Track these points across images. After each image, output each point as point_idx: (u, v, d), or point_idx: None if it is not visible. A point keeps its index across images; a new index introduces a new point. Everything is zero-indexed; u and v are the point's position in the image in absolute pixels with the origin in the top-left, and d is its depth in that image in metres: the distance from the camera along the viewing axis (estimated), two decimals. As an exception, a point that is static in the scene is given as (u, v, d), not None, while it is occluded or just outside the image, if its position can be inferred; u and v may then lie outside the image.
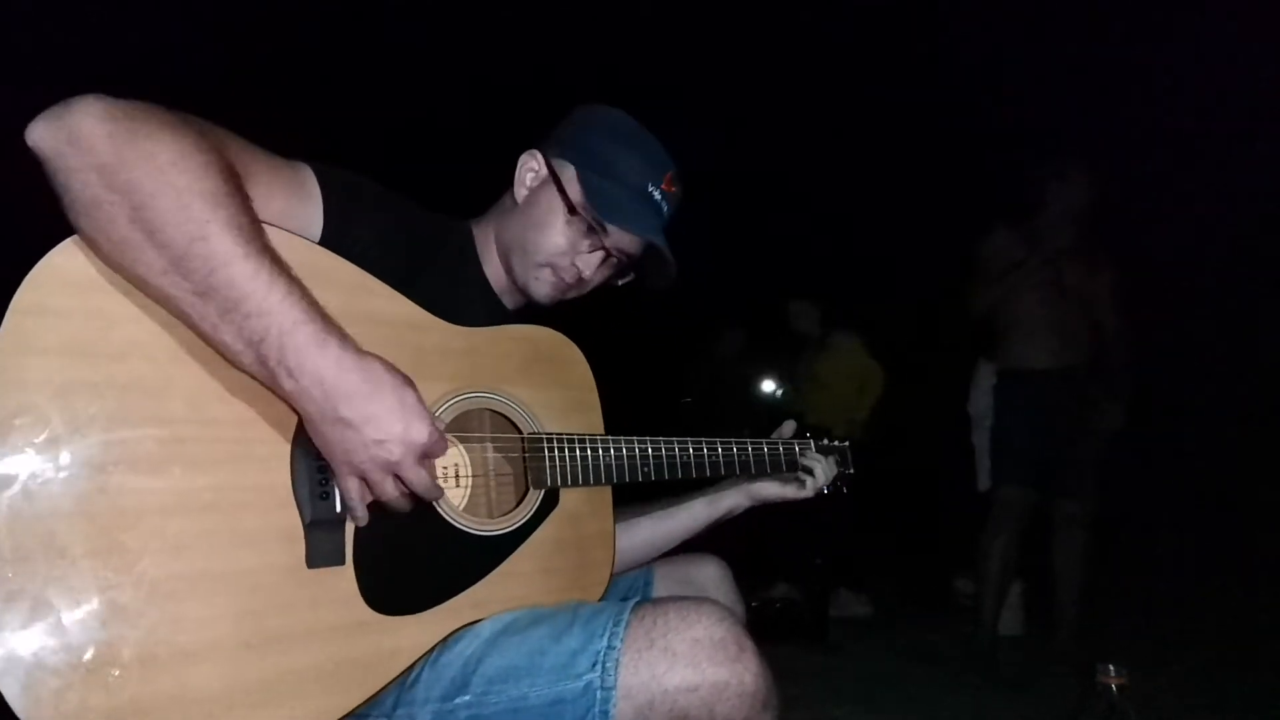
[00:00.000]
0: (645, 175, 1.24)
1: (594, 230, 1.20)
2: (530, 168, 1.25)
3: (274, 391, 0.87)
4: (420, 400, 0.91)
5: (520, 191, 1.25)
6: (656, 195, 1.25)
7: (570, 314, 1.33)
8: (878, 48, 5.19)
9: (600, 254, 1.24)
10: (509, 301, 1.31)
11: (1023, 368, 3.17)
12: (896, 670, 3.08)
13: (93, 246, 0.84)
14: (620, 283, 1.32)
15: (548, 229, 1.21)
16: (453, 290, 1.18)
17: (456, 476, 1.16)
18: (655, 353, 4.56)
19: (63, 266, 0.84)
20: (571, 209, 1.20)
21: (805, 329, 4.41)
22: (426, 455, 0.91)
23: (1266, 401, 4.26)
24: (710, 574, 1.38)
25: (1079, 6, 4.69)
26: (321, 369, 0.84)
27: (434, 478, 0.94)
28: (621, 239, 1.22)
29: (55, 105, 0.82)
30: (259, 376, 0.85)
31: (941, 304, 3.39)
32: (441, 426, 0.94)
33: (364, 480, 0.90)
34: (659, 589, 1.34)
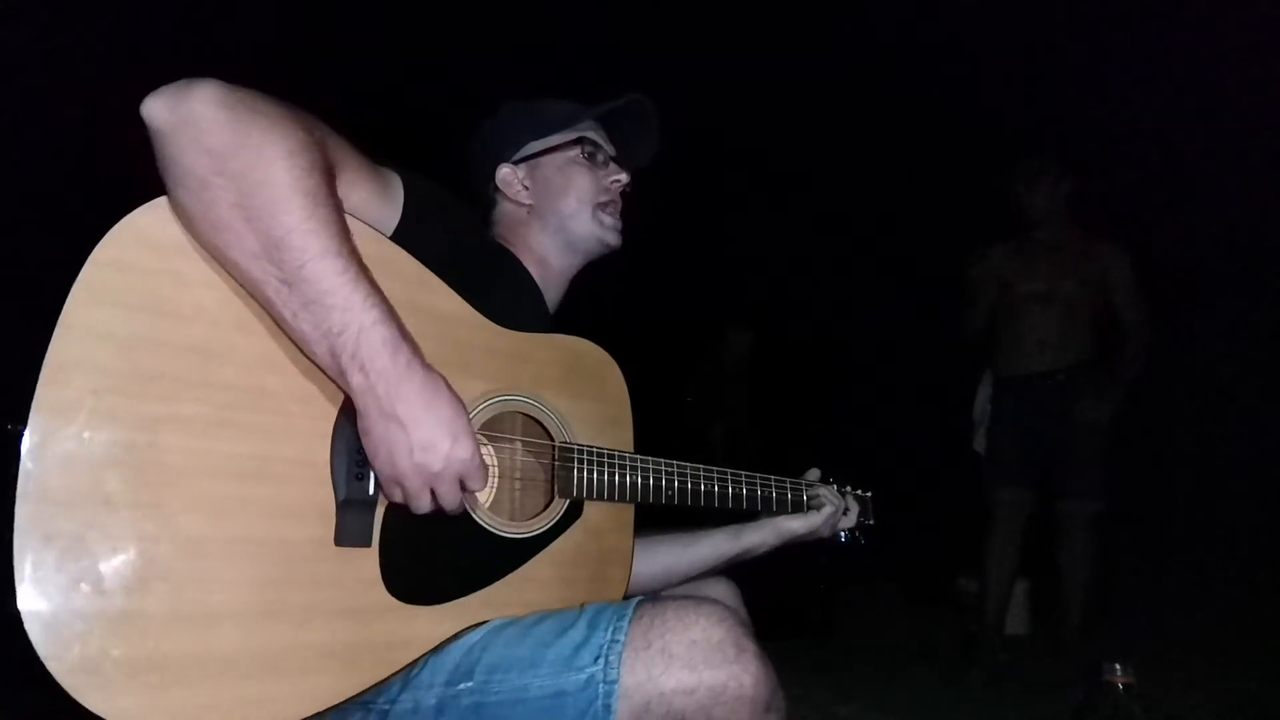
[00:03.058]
0: (567, 103, 1.39)
1: (594, 147, 1.36)
2: (511, 179, 1.36)
3: (336, 383, 0.90)
4: (470, 425, 0.94)
5: (524, 198, 1.36)
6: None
7: (581, 310, 1.42)
8: (885, 48, 5.20)
9: (611, 164, 1.38)
10: (550, 301, 1.37)
11: (1012, 374, 3.25)
12: (901, 668, 3.07)
13: (187, 221, 0.87)
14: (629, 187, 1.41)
15: (574, 181, 1.34)
16: (512, 301, 1.22)
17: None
18: (660, 351, 4.55)
19: (145, 226, 0.88)
20: (571, 146, 1.34)
21: None
22: (464, 478, 0.93)
23: (1272, 399, 4.20)
24: (720, 594, 1.37)
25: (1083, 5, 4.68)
26: (391, 368, 0.87)
27: (464, 502, 0.96)
28: (606, 145, 1.39)
29: (175, 83, 0.86)
30: (326, 367, 0.88)
31: (949, 306, 3.45)
32: (489, 462, 0.96)
33: (402, 488, 0.92)
34: None
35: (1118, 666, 1.34)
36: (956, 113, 5.06)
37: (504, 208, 1.38)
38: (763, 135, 5.71)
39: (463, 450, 0.91)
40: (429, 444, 0.89)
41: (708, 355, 5.16)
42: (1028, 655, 3.14)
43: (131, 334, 0.84)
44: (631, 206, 1.42)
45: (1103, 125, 4.65)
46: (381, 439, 0.89)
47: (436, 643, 0.98)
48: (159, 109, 0.86)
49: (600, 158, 1.37)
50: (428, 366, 0.92)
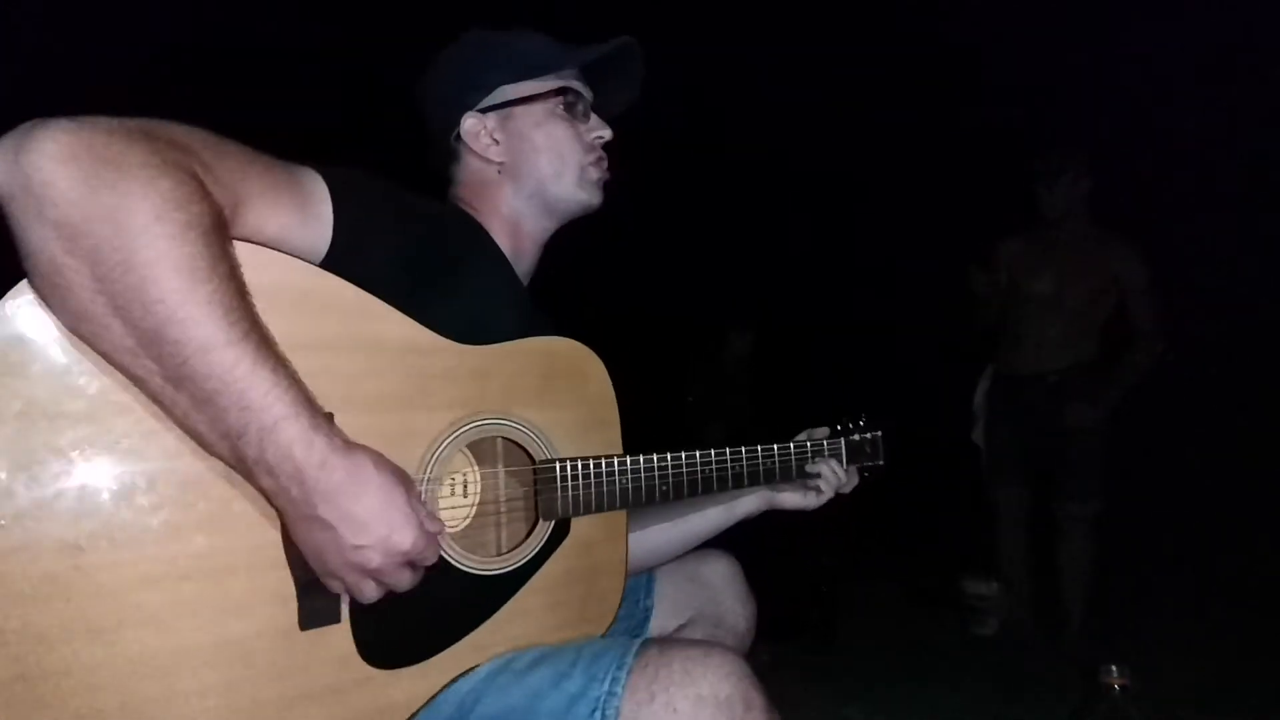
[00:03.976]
0: (543, 40, 1.20)
1: (576, 98, 1.19)
2: (478, 131, 1.17)
3: (249, 482, 0.79)
4: (410, 502, 0.82)
5: (493, 154, 1.18)
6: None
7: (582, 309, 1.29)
8: (896, 44, 4.93)
9: (593, 116, 1.21)
10: (523, 274, 1.22)
11: (1007, 374, 3.26)
12: (904, 670, 3.09)
13: (50, 308, 0.73)
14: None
15: (554, 139, 1.17)
16: (482, 287, 1.09)
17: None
18: (660, 351, 4.46)
19: (15, 316, 0.74)
20: (552, 96, 1.17)
21: None
22: (412, 563, 0.83)
23: (1271, 399, 4.19)
24: (720, 571, 1.34)
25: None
26: (303, 468, 0.75)
27: (417, 579, 0.86)
28: (587, 93, 1.22)
29: (10, 135, 0.69)
30: (232, 466, 0.77)
31: (954, 304, 3.42)
32: (437, 528, 0.85)
33: (341, 583, 0.83)
34: (662, 586, 1.31)
35: (1115, 668, 1.33)
36: (963, 109, 4.82)
37: (469, 164, 1.19)
38: (767, 132, 5.38)
39: (402, 540, 0.80)
40: (362, 542, 0.78)
41: (709, 356, 4.95)
42: (1027, 657, 3.13)
43: (26, 449, 0.74)
44: (636, 205, 1.24)
45: (1113, 124, 4.43)
46: (306, 542, 0.80)
47: (425, 699, 0.95)
48: None
49: (581, 108, 1.20)
50: (350, 449, 0.79)
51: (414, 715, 0.94)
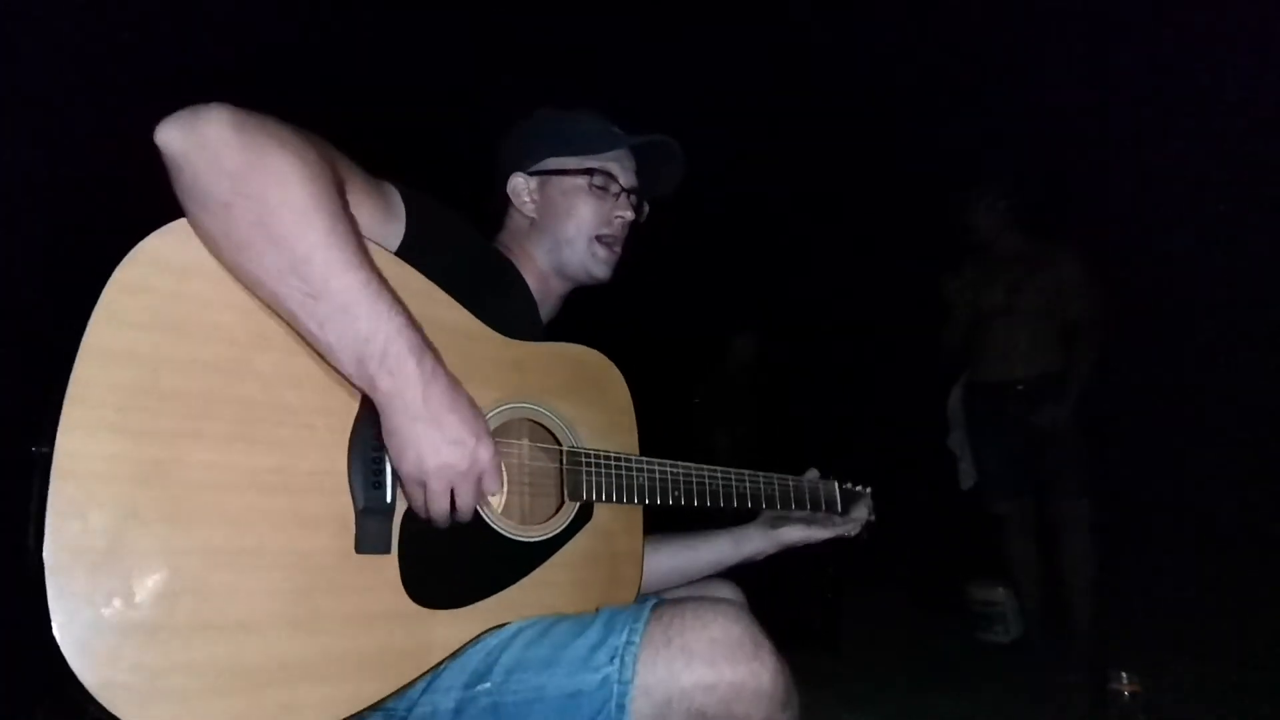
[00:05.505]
0: (599, 124, 1.39)
1: (606, 179, 1.35)
2: (521, 189, 1.38)
3: (362, 389, 0.93)
4: (488, 428, 0.98)
5: (528, 210, 1.39)
6: (617, 130, 1.40)
7: (587, 315, 1.46)
8: (887, 63, 5.32)
9: (621, 196, 1.38)
10: (544, 314, 1.40)
11: (979, 382, 3.44)
12: (909, 676, 3.07)
13: (209, 241, 0.90)
14: (643, 217, 1.43)
15: (577, 208, 1.35)
16: (510, 311, 1.25)
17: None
18: (667, 356, 4.61)
19: (161, 249, 0.90)
20: (580, 174, 1.35)
21: None
22: (483, 478, 0.97)
23: (1271, 401, 4.24)
24: (723, 596, 1.39)
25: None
26: (418, 372, 0.91)
27: (476, 505, 1.00)
28: (625, 175, 1.38)
29: (185, 109, 0.89)
30: (352, 374, 0.91)
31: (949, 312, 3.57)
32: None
33: (425, 488, 0.94)
34: None
35: (1124, 675, 1.34)
36: (954, 125, 5.15)
37: (512, 214, 1.42)
38: (760, 149, 5.78)
39: (485, 450, 0.95)
40: (457, 440, 0.93)
41: (714, 361, 5.13)
42: (1034, 663, 3.12)
43: (153, 354, 0.87)
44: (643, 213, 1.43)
45: (1077, 133, 4.77)
46: (409, 440, 0.92)
47: (458, 646, 1.00)
48: (173, 135, 0.89)
49: (613, 189, 1.37)
50: (449, 371, 0.95)
51: (444, 663, 0.99)
